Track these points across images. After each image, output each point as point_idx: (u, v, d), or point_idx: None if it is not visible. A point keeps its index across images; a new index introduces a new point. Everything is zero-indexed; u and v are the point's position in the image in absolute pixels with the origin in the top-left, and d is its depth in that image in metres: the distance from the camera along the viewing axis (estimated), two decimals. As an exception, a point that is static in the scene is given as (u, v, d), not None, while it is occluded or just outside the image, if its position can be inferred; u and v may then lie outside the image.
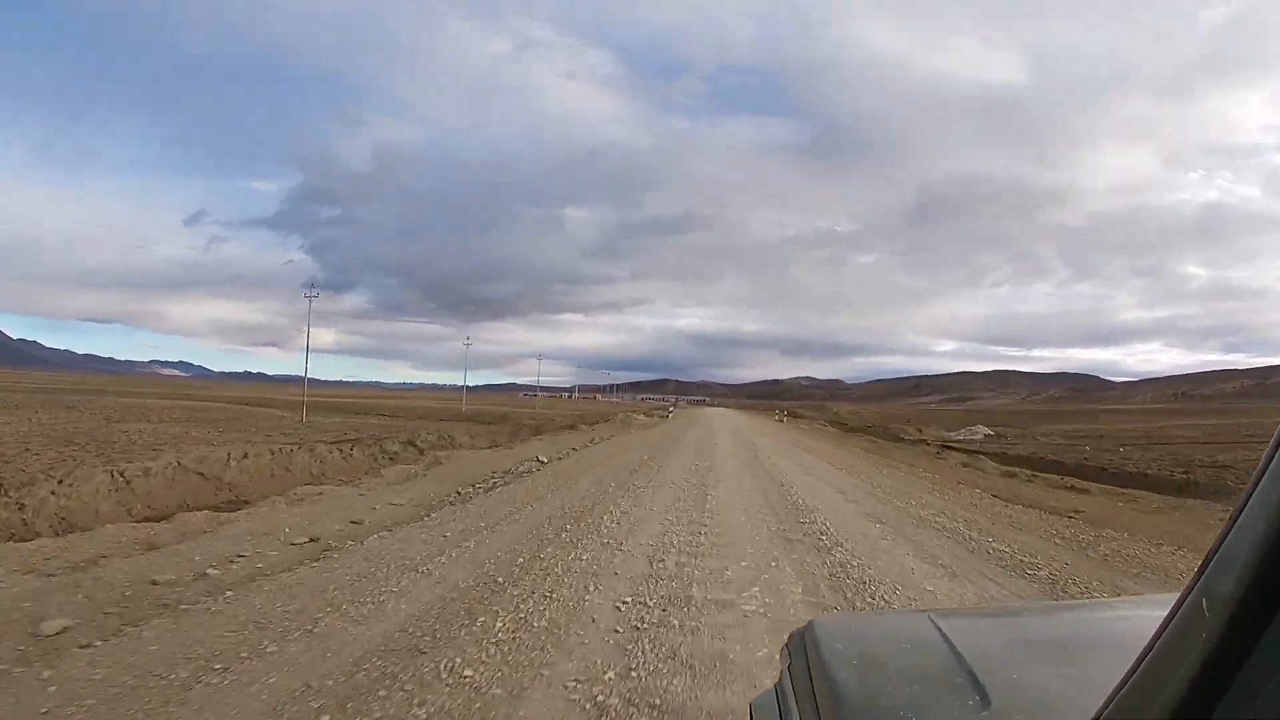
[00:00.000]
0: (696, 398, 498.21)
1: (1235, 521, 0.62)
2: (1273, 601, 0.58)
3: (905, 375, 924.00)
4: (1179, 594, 0.70)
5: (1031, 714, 1.18)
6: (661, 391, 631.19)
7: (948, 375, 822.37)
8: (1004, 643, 1.58)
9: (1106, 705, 0.78)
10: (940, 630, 1.55)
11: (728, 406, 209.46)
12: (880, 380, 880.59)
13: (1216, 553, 0.64)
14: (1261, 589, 0.59)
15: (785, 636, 1.80)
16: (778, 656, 1.88)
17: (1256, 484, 0.61)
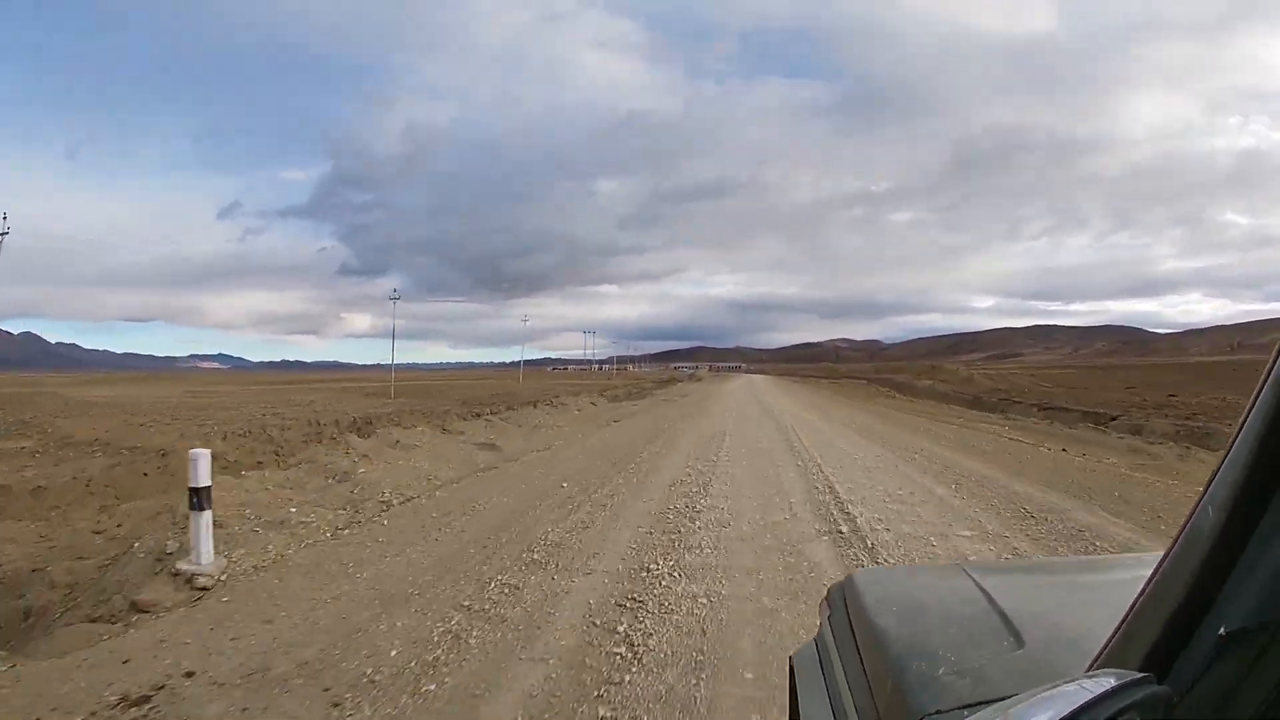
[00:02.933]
0: (731, 364, 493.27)
1: (1237, 436, 0.73)
2: (1261, 501, 0.71)
3: (945, 333, 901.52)
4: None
5: (1063, 652, 1.20)
6: (696, 359, 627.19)
7: (989, 332, 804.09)
8: (1036, 591, 1.68)
9: (1129, 612, 0.85)
10: (974, 581, 1.62)
11: (764, 373, 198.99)
12: (920, 339, 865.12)
13: (1220, 467, 0.75)
14: (1252, 490, 0.72)
15: (824, 591, 1.95)
16: (817, 610, 1.99)
17: (1254, 402, 0.72)
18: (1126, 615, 0.85)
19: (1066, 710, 0.71)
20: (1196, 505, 0.77)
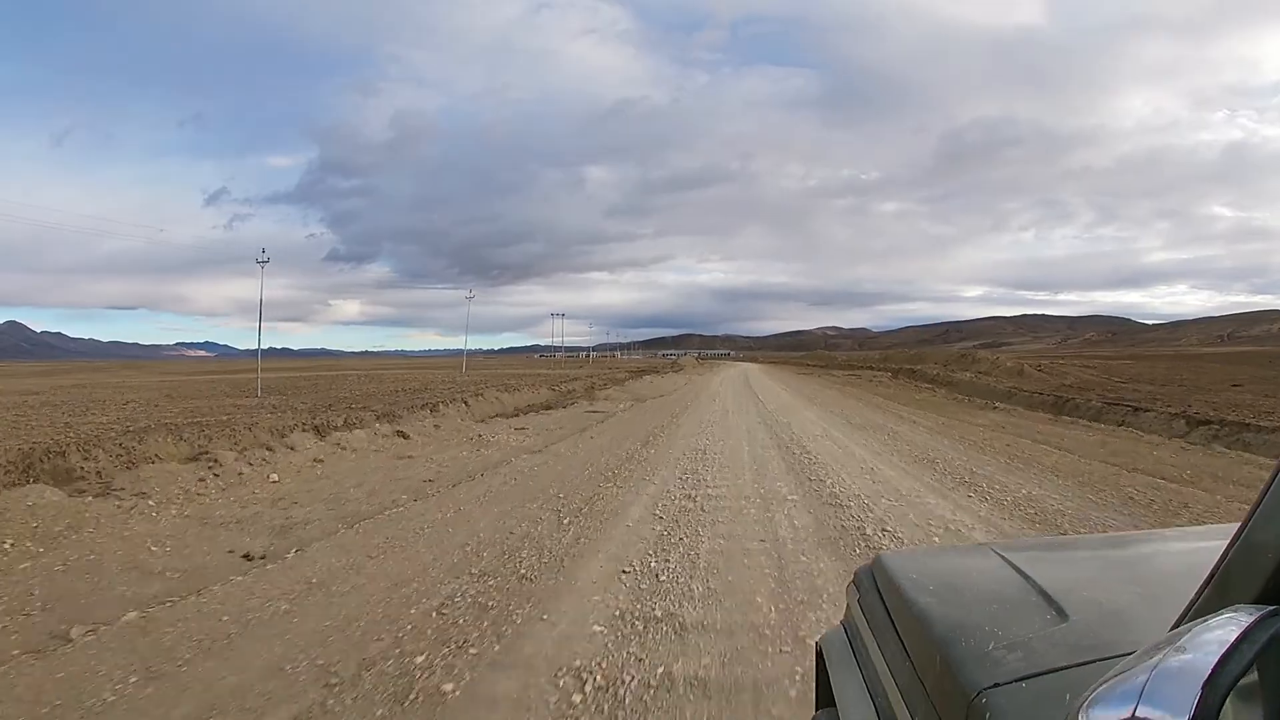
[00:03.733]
0: (720, 351, 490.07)
1: None
2: None
3: (934, 321, 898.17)
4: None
5: (1109, 624, 1.21)
6: (684, 346, 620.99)
7: (977, 321, 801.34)
8: (1071, 567, 1.65)
9: (1226, 554, 0.86)
10: (1005, 559, 1.61)
11: (755, 360, 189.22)
12: (909, 327, 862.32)
13: None
14: None
15: (851, 575, 1.89)
16: (844, 593, 1.94)
17: None
18: (1225, 554, 0.87)
19: (1223, 643, 0.70)
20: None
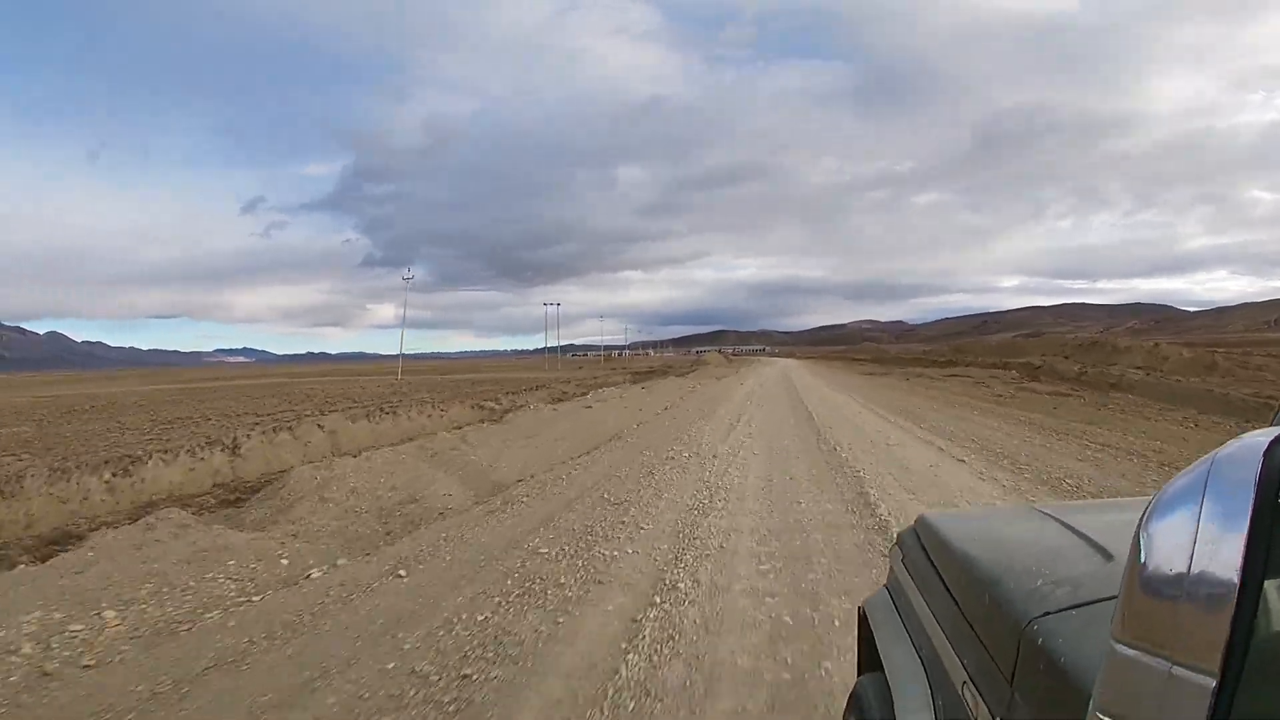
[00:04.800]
0: (755, 347, 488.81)
1: None
2: None
3: (972, 313, 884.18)
4: None
5: None
6: (719, 343, 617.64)
7: (1016, 311, 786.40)
8: (1111, 521, 1.59)
9: None
10: (1049, 515, 1.66)
11: (793, 356, 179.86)
12: (946, 319, 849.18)
13: None
14: None
15: (893, 537, 1.98)
16: (887, 556, 2.08)
17: None
18: None
19: (1268, 440, 0.72)
20: None
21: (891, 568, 1.92)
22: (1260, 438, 0.73)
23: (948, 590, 1.49)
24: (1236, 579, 0.68)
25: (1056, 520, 1.60)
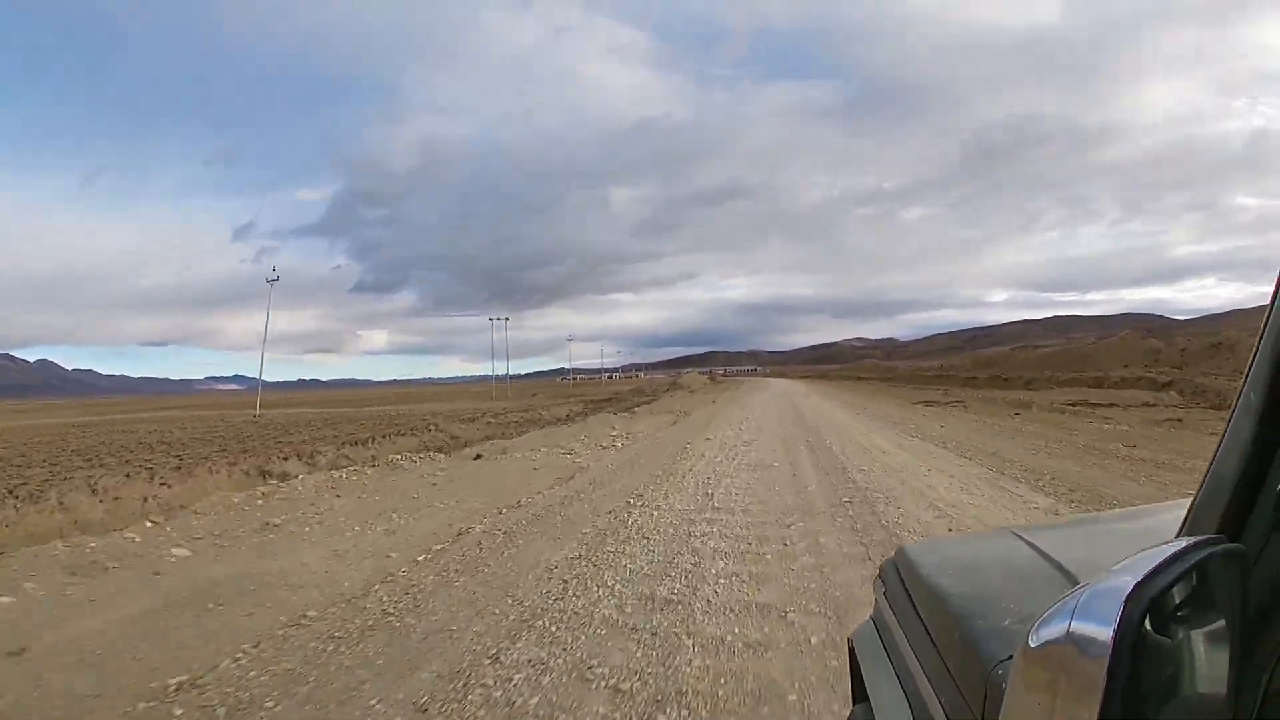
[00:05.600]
0: (747, 367, 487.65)
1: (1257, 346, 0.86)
2: None
3: (961, 328, 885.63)
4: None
5: None
6: (710, 364, 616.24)
7: (1006, 325, 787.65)
8: (1084, 543, 1.74)
9: (1199, 488, 0.94)
10: (1024, 540, 1.66)
11: (785, 376, 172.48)
12: (936, 335, 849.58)
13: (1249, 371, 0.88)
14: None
15: (876, 569, 1.98)
16: (871, 588, 2.00)
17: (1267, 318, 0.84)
18: (1197, 491, 0.95)
19: (1149, 568, 0.78)
20: (1240, 387, 0.90)
21: (875, 599, 1.92)
22: (1125, 579, 0.78)
23: (924, 625, 1.50)
24: (1096, 707, 0.74)
25: (1032, 547, 1.60)
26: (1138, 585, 0.76)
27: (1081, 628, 0.78)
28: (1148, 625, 0.77)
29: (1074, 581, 1.27)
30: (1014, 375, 44.63)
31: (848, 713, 1.97)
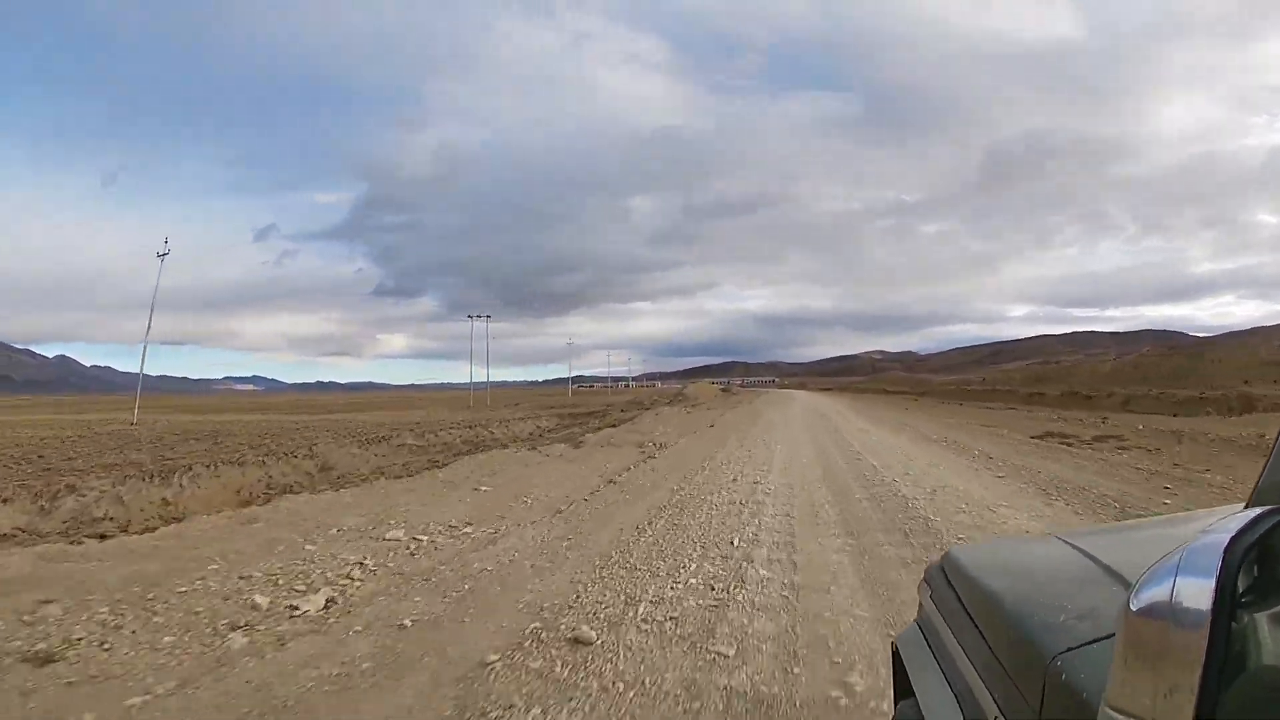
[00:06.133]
0: (765, 378, 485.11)
1: None
2: None
3: (981, 342, 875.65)
4: None
5: None
6: (729, 374, 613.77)
7: (1025, 340, 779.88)
8: (1131, 547, 1.68)
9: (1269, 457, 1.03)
10: (1071, 544, 1.66)
11: (804, 387, 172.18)
12: (956, 349, 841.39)
13: None
14: None
15: (921, 573, 2.02)
16: (916, 591, 1.98)
17: None
18: (1263, 466, 1.00)
19: (1229, 536, 0.84)
20: None
21: (920, 602, 1.91)
22: (1220, 535, 0.84)
23: (975, 625, 1.49)
24: (1200, 662, 0.78)
25: (1077, 549, 1.60)
26: (1233, 539, 0.83)
27: (1186, 583, 0.83)
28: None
29: (1125, 582, 1.29)
30: (1096, 391, 34.92)
31: (893, 712, 1.94)
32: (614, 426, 27.05)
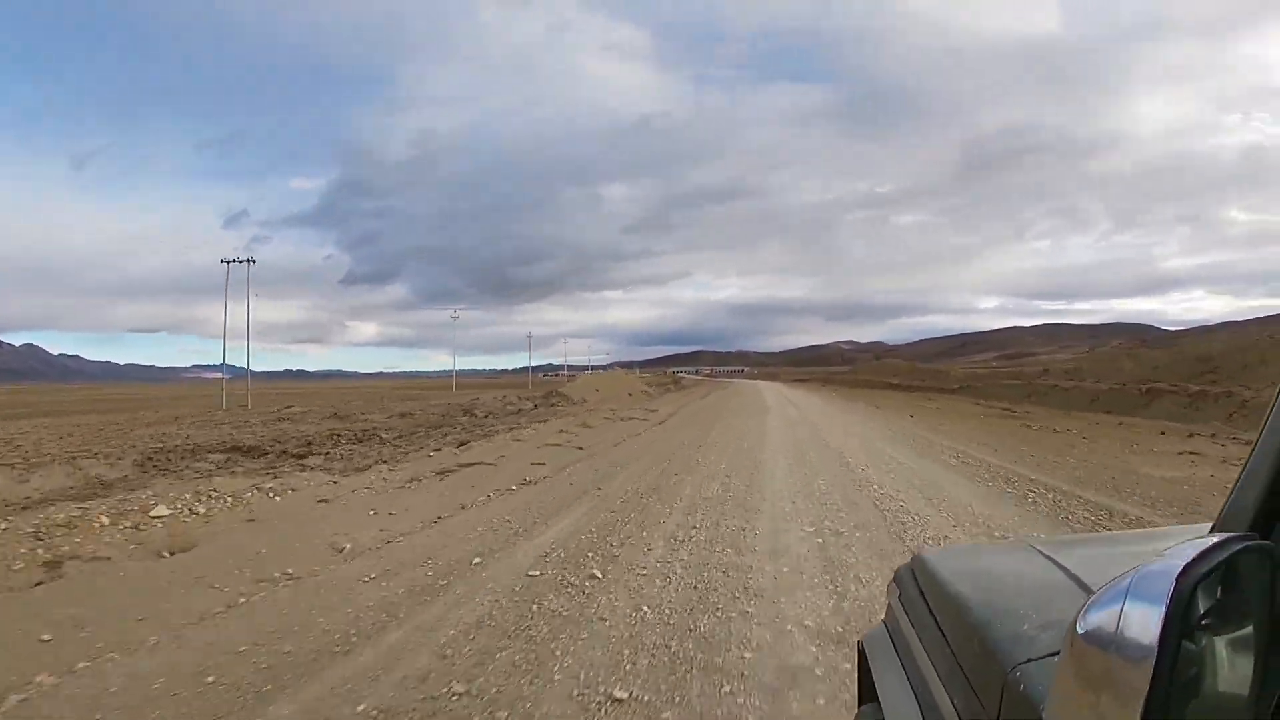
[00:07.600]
0: (734, 368, 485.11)
1: None
2: None
3: (951, 334, 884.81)
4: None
5: None
6: (698, 363, 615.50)
7: (996, 332, 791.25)
8: (1103, 560, 1.66)
9: (1233, 487, 1.01)
10: (1042, 553, 1.65)
11: (774, 378, 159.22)
12: (926, 340, 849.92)
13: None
14: None
15: (891, 573, 1.91)
16: (885, 592, 1.93)
17: None
18: (1231, 489, 1.00)
19: (1194, 553, 0.82)
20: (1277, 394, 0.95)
21: (889, 604, 1.90)
22: (1174, 562, 0.82)
23: (940, 630, 1.49)
24: (1143, 696, 0.76)
25: (1049, 559, 1.59)
26: (1187, 566, 0.80)
27: (1134, 609, 0.81)
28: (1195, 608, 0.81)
29: (1089, 591, 1.29)
30: (1125, 385, 28.24)
31: (855, 713, 1.94)
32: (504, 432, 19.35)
